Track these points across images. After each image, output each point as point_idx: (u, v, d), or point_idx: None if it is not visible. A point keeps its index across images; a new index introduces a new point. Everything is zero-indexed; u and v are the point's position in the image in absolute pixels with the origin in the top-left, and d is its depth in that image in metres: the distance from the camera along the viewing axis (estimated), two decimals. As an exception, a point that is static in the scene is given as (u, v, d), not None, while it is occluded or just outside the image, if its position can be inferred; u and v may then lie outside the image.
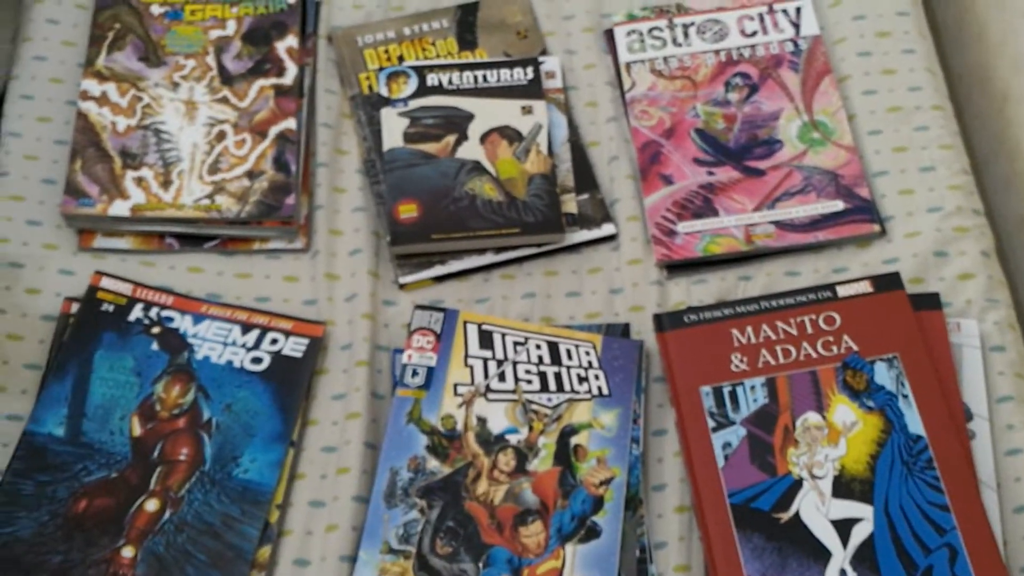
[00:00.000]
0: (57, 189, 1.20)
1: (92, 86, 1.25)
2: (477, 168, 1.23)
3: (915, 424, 1.04)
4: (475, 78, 1.28)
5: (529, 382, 1.10)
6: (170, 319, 1.13)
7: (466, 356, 1.11)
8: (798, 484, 1.03)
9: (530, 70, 1.29)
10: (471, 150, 1.24)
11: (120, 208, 1.18)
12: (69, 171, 1.20)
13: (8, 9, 1.40)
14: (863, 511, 1.01)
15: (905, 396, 1.06)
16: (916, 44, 1.30)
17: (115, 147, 1.22)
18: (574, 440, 1.07)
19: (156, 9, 1.32)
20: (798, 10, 1.33)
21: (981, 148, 1.37)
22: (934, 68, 1.29)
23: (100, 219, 1.18)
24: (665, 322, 1.13)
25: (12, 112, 1.25)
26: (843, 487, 1.02)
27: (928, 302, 1.12)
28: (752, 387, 1.08)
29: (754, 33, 1.32)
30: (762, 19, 1.33)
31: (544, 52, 1.33)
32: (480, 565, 1.01)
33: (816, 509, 1.01)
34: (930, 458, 1.02)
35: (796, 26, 1.32)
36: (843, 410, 1.06)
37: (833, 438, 1.04)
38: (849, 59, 1.30)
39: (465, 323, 1.13)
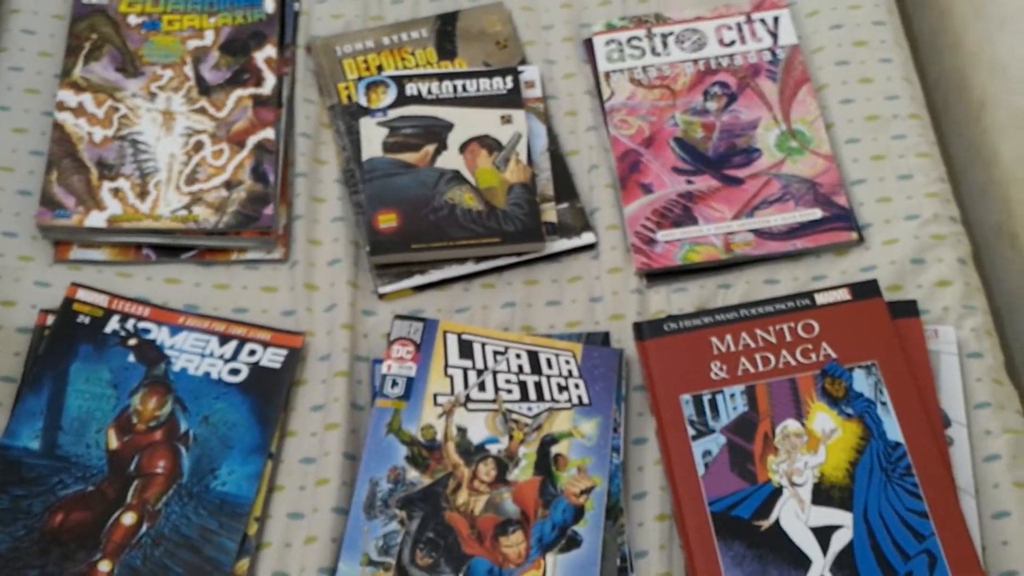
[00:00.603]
0: (33, 200, 1.19)
1: (68, 97, 1.24)
2: (457, 178, 1.23)
3: (893, 431, 1.04)
4: (454, 88, 1.28)
5: (509, 392, 1.10)
6: (147, 331, 1.13)
7: (446, 366, 1.11)
8: (778, 492, 1.03)
9: (509, 79, 1.29)
10: (451, 159, 1.24)
11: (96, 219, 1.17)
12: (45, 182, 1.19)
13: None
14: (843, 518, 1.01)
15: (883, 403, 1.06)
16: (893, 53, 1.30)
17: (91, 158, 1.21)
18: (554, 449, 1.07)
19: (133, 19, 1.31)
20: (776, 19, 1.33)
21: (958, 156, 1.38)
22: (911, 77, 1.30)
23: (76, 230, 1.18)
24: (645, 331, 1.13)
25: (-13, 123, 1.24)
26: (823, 494, 1.02)
27: (906, 309, 1.12)
28: (732, 395, 1.08)
29: (732, 42, 1.33)
30: (740, 28, 1.33)
31: (523, 62, 1.33)
32: (460, 576, 1.00)
33: (796, 516, 1.01)
34: (909, 465, 1.03)
35: (774, 35, 1.33)
36: (822, 417, 1.06)
37: (812, 445, 1.05)
38: (827, 68, 1.30)
39: (445, 333, 1.13)
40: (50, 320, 1.12)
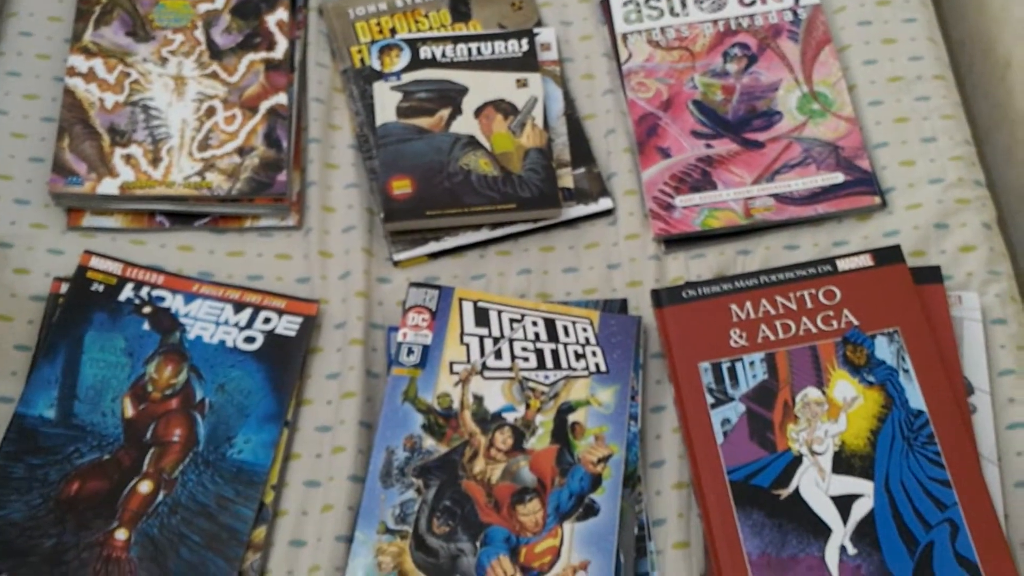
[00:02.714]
0: (45, 167, 1.18)
1: (79, 62, 1.23)
2: (472, 143, 1.21)
3: (916, 399, 1.03)
4: (469, 51, 1.26)
5: (526, 359, 1.09)
6: (161, 298, 1.12)
7: (462, 334, 1.10)
8: (798, 460, 1.02)
9: (525, 42, 1.27)
10: (465, 124, 1.22)
11: (109, 186, 1.16)
12: (57, 149, 1.18)
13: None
14: (863, 487, 1.00)
15: (906, 371, 1.04)
16: (917, 12, 1.28)
17: (103, 124, 1.20)
18: (572, 418, 1.06)
19: (143, -18, 1.29)
20: (797, -22, 1.31)
21: (982, 118, 1.35)
22: (935, 37, 1.27)
23: (89, 197, 1.17)
24: (663, 298, 1.12)
25: (-2, 89, 1.23)
26: (843, 463, 1.01)
27: (929, 275, 1.10)
28: (751, 363, 1.07)
29: (753, 2, 1.30)
30: (760, -12, 1.31)
31: (539, 23, 1.31)
32: (477, 544, 1.00)
33: (816, 485, 1.00)
34: (931, 433, 1.01)
35: (795, -5, 1.30)
36: (843, 385, 1.04)
37: (833, 413, 1.03)
38: (849, 28, 1.28)
39: (461, 300, 1.12)
40: (64, 288, 1.11)
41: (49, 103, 1.22)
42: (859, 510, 0.99)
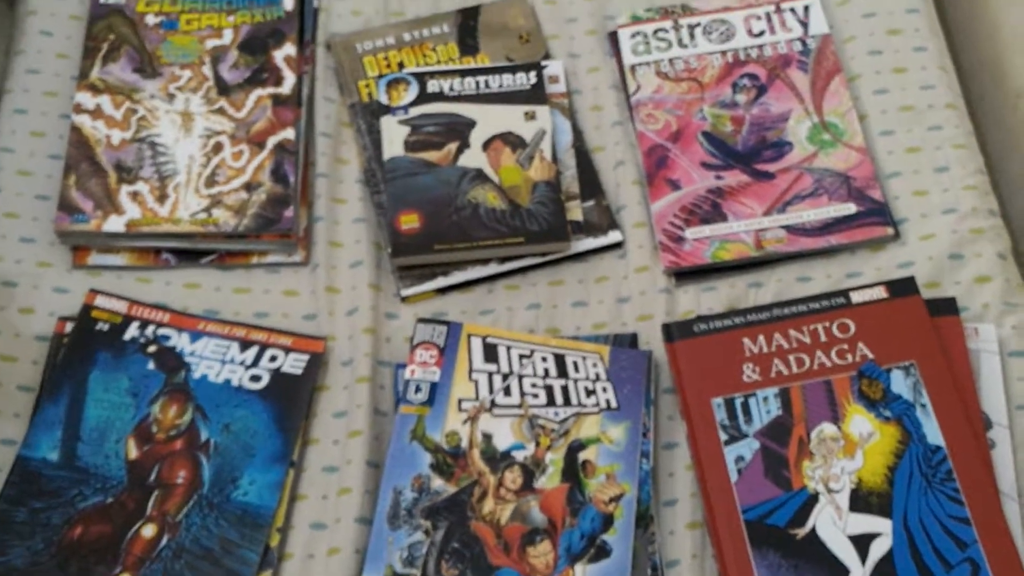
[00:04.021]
0: (51, 205, 1.18)
1: (86, 99, 1.23)
2: (480, 176, 1.20)
3: (934, 434, 1.01)
4: (477, 84, 1.26)
5: (535, 396, 1.07)
6: (167, 337, 1.11)
7: (470, 370, 1.08)
8: (814, 498, 1.00)
9: (533, 75, 1.26)
10: (473, 158, 1.21)
11: (115, 224, 1.16)
12: (63, 186, 1.17)
13: (1, 22, 1.38)
14: (881, 525, 0.98)
15: (923, 405, 1.02)
16: (927, 41, 1.27)
17: (110, 161, 1.19)
18: (582, 455, 1.04)
19: (151, 19, 1.29)
20: (806, 8, 1.30)
21: (995, 146, 1.33)
22: (946, 65, 1.26)
23: (95, 235, 1.16)
24: (674, 332, 1.10)
25: (5, 127, 1.23)
26: (860, 501, 0.99)
27: (944, 307, 1.08)
28: (765, 398, 1.05)
29: (761, 33, 1.29)
30: (769, 18, 1.30)
31: (547, 56, 1.30)
32: (487, 586, 0.98)
33: (833, 524, 0.98)
34: (950, 469, 0.99)
35: (804, 25, 1.29)
36: (859, 420, 1.03)
37: (849, 450, 1.01)
38: (859, 58, 1.27)
39: (469, 336, 1.11)
40: (69, 328, 1.11)
41: (56, 140, 1.22)
42: (877, 549, 0.97)
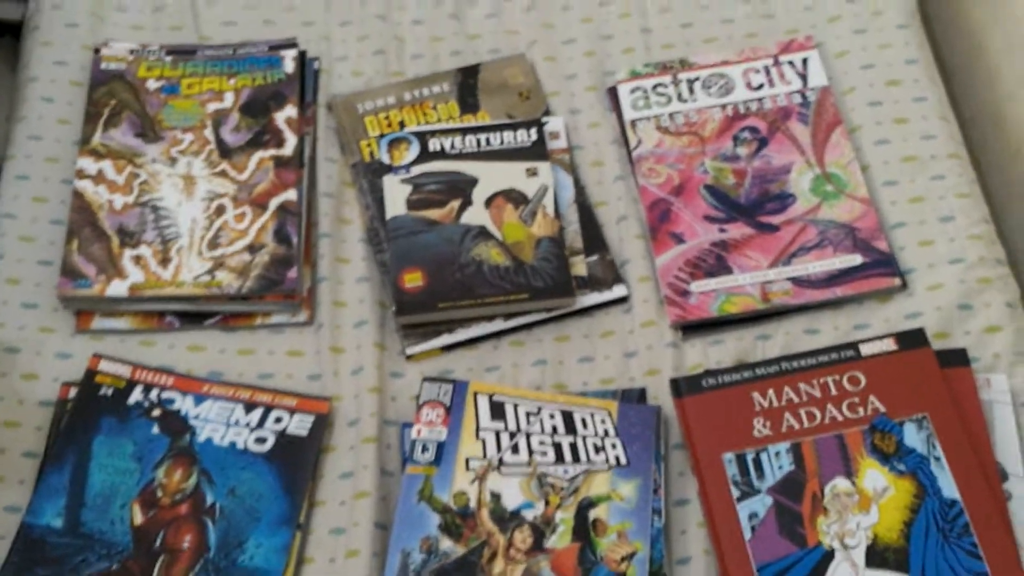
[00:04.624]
0: (54, 270, 1.17)
1: (88, 164, 1.23)
2: (483, 233, 1.20)
3: (949, 488, 1.00)
4: (478, 141, 1.26)
5: (544, 454, 1.06)
6: (171, 400, 1.10)
7: (477, 429, 1.07)
8: (830, 555, 0.98)
9: (534, 131, 1.26)
10: (476, 215, 1.21)
11: (118, 288, 1.15)
12: (65, 252, 1.17)
13: (2, 88, 1.39)
14: (899, 582, 0.96)
15: (937, 458, 1.01)
16: (927, 91, 1.27)
17: (112, 226, 1.19)
18: (593, 513, 1.03)
19: (152, 84, 1.30)
20: (804, 61, 1.30)
21: (998, 194, 1.33)
22: (947, 115, 1.26)
23: (98, 300, 1.15)
24: (683, 387, 1.09)
25: (7, 193, 1.23)
26: (877, 556, 0.97)
27: (955, 358, 1.08)
28: (777, 453, 1.04)
29: (761, 86, 1.30)
30: (768, 72, 1.30)
31: (547, 112, 1.31)
32: (499, 651, 0.96)
33: (850, 581, 0.97)
34: (966, 523, 0.98)
35: (803, 77, 1.30)
36: (873, 475, 1.01)
37: (864, 505, 1.00)
38: (859, 109, 1.27)
39: (476, 394, 1.10)
40: (72, 393, 1.10)
41: (58, 206, 1.22)
42: (896, 606, 0.95)
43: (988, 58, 1.35)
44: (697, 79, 1.31)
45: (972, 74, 1.39)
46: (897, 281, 1.15)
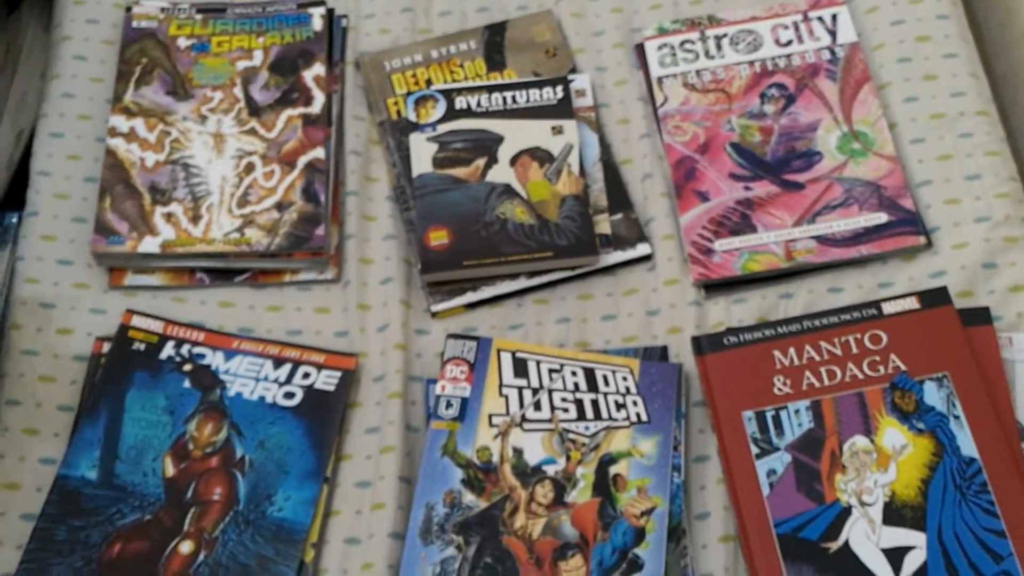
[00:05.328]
0: (87, 227, 1.20)
1: (120, 122, 1.25)
2: (508, 191, 1.21)
3: (968, 446, 1.00)
4: (504, 99, 1.26)
5: (565, 410, 1.08)
6: (202, 356, 1.12)
7: (500, 385, 1.09)
8: (847, 512, 0.99)
9: (560, 89, 1.26)
10: (501, 173, 1.22)
11: (150, 245, 1.18)
12: (98, 209, 1.19)
13: (37, 46, 1.40)
14: (915, 539, 0.97)
15: (956, 417, 1.01)
16: (958, 48, 1.26)
17: (144, 183, 1.21)
18: (613, 469, 1.04)
19: (183, 42, 1.31)
20: (834, 17, 1.29)
21: (1029, 152, 1.32)
22: (977, 72, 1.25)
23: (130, 256, 1.18)
24: (704, 345, 1.10)
25: (41, 151, 1.25)
26: (894, 514, 0.98)
27: (978, 317, 1.07)
28: (796, 411, 1.05)
29: (789, 42, 1.29)
30: (797, 27, 1.29)
31: (574, 70, 1.31)
32: (520, 601, 0.98)
33: (866, 538, 0.98)
34: (984, 481, 0.98)
35: (832, 33, 1.28)
36: (892, 433, 1.02)
37: (882, 463, 1.01)
38: (888, 66, 1.26)
39: (499, 351, 1.11)
40: (106, 348, 1.12)
41: (91, 163, 1.24)
42: (911, 563, 0.96)
43: (1020, 14, 1.32)
44: (725, 35, 1.30)
45: (1004, 32, 1.36)
46: (922, 239, 1.15)
